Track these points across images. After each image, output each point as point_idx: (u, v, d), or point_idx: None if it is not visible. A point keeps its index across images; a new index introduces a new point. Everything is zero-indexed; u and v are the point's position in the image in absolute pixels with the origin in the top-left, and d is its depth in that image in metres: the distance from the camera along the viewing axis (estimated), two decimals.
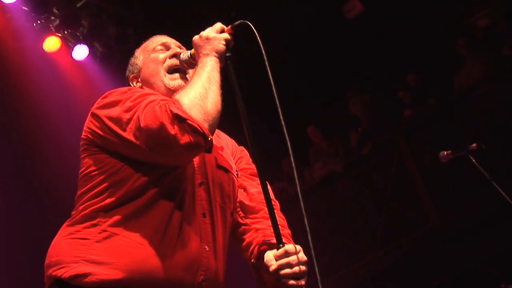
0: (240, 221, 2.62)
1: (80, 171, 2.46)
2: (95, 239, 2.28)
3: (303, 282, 2.26)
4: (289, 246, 2.27)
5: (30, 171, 7.69)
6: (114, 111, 2.33)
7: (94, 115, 2.41)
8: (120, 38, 7.99)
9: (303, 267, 2.26)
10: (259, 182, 2.63)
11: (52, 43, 7.47)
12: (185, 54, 2.59)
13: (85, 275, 2.21)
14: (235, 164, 2.70)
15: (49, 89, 7.38)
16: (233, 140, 2.80)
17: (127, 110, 2.29)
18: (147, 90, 2.59)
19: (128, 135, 2.26)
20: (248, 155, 2.78)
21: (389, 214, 8.53)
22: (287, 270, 2.25)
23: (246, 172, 2.71)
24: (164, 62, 2.64)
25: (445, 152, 4.82)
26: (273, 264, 2.29)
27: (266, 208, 2.51)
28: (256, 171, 2.68)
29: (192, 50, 2.53)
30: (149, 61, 2.67)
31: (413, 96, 9.15)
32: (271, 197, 2.39)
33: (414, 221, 8.28)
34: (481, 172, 4.50)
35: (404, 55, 9.67)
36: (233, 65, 2.45)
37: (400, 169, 8.56)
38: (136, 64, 2.73)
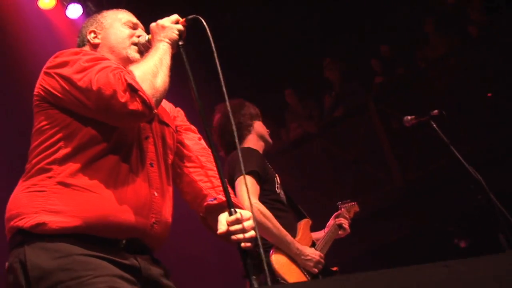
0: (179, 171, 2.71)
1: (33, 126, 2.48)
2: (51, 190, 2.31)
3: (249, 245, 2.34)
4: (238, 215, 2.36)
5: (22, 126, 7.59)
6: (66, 71, 2.36)
7: (46, 73, 2.43)
8: None
9: (250, 234, 2.34)
10: (194, 135, 2.80)
11: (47, 1, 7.37)
12: (143, 38, 2.66)
13: (45, 223, 2.24)
14: (173, 121, 2.78)
15: (43, 46, 7.28)
16: (170, 103, 2.87)
17: (80, 71, 2.32)
18: (99, 53, 2.61)
19: (79, 95, 2.30)
20: (184, 114, 2.89)
21: (357, 173, 8.67)
22: (238, 236, 2.34)
23: (181, 127, 2.80)
24: (131, 37, 2.68)
25: (409, 117, 4.86)
26: (221, 228, 2.39)
27: (202, 158, 2.70)
28: (190, 126, 2.84)
29: (150, 36, 2.61)
30: (120, 28, 2.70)
31: (384, 65, 9.25)
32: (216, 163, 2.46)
33: (379, 180, 8.42)
34: (441, 136, 4.58)
35: (378, 27, 9.72)
36: (186, 53, 2.53)
37: (369, 131, 8.66)
38: (102, 22, 2.73)
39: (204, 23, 2.51)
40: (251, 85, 9.88)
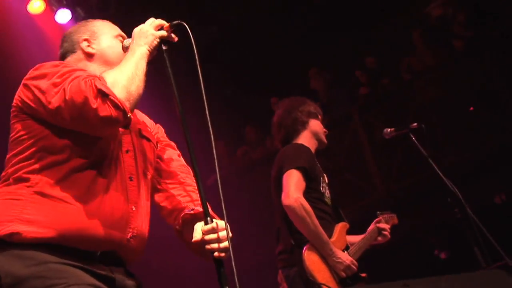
0: (158, 186, 2.70)
1: (11, 135, 2.46)
2: (28, 199, 2.29)
3: (223, 255, 2.34)
4: (214, 224, 2.36)
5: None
6: (43, 83, 2.34)
7: (25, 85, 2.42)
8: (101, 5, 7.90)
9: (224, 244, 2.34)
10: (173, 152, 2.79)
11: (37, 6, 7.35)
12: (127, 41, 2.65)
13: (19, 233, 2.23)
14: (154, 136, 2.77)
15: (31, 50, 7.27)
16: (151, 120, 2.86)
17: (56, 84, 2.31)
18: (77, 65, 2.58)
19: (54, 106, 2.28)
20: (164, 130, 2.88)
21: (341, 183, 8.68)
22: (213, 246, 2.34)
23: (161, 143, 2.79)
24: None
25: (389, 129, 4.87)
26: (196, 236, 2.39)
27: (181, 174, 2.70)
28: (170, 143, 2.83)
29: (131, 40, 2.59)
30: (114, 42, 2.70)
31: (369, 76, 9.28)
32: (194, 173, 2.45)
33: (363, 190, 8.46)
34: (419, 149, 4.60)
35: (364, 38, 9.77)
36: (169, 59, 2.51)
37: (353, 142, 8.70)
38: (94, 32, 2.72)
39: (188, 29, 2.48)
40: (238, 93, 9.90)
